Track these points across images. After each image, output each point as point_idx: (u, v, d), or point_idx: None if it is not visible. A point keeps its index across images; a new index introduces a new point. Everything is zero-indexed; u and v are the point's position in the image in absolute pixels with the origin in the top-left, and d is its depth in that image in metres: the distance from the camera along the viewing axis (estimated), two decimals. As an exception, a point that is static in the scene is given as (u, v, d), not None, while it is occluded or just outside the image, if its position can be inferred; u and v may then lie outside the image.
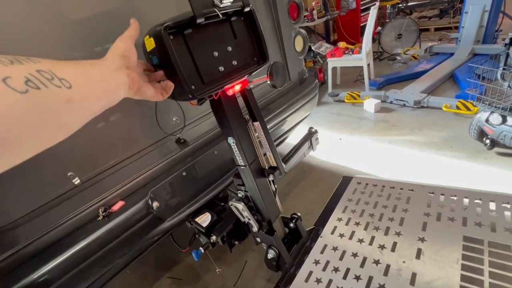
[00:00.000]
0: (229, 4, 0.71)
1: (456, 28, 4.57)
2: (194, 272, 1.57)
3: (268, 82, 0.81)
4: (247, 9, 0.78)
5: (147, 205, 1.03)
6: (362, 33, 5.02)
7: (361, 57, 3.02)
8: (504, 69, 1.79)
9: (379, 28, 4.29)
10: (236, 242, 1.13)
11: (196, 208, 1.17)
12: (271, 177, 0.97)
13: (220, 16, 0.70)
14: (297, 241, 1.05)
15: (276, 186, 1.08)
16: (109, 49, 0.50)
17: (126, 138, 1.02)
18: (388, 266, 0.80)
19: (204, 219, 1.10)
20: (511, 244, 0.75)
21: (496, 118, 1.77)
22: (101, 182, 0.97)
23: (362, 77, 3.34)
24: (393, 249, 0.85)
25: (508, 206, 0.85)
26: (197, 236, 1.17)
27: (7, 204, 0.79)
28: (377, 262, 0.83)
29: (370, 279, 0.79)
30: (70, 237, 0.90)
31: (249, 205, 1.02)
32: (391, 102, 2.89)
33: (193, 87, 0.69)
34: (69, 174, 0.89)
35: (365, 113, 2.87)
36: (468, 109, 2.38)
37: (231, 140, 0.91)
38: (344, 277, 0.82)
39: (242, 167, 0.94)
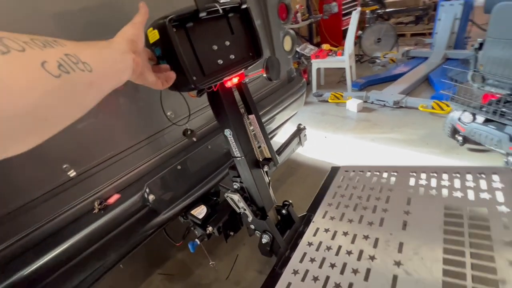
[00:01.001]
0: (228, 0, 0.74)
1: (430, 34, 4.85)
2: (185, 267, 1.57)
3: (264, 75, 0.85)
4: (244, 6, 0.82)
5: (143, 198, 1.03)
6: (343, 36, 5.21)
7: (344, 59, 3.15)
8: (474, 72, 1.95)
9: (359, 32, 4.47)
10: (232, 233, 1.16)
11: (191, 202, 1.18)
12: (266, 168, 1.01)
13: (220, 11, 0.73)
14: (290, 227, 1.10)
15: (269, 178, 1.12)
16: (118, 32, 0.51)
17: (122, 130, 1.02)
18: (377, 240, 0.86)
19: (200, 211, 1.12)
20: (486, 208, 0.83)
21: (467, 117, 1.92)
22: (97, 175, 0.96)
23: (345, 78, 3.48)
24: (380, 224, 0.92)
25: (484, 176, 0.95)
26: (192, 228, 1.18)
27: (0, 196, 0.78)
28: (366, 237, 0.89)
29: (361, 252, 0.85)
30: (65, 230, 0.89)
31: (244, 196, 1.06)
32: (372, 102, 3.03)
33: (194, 78, 0.72)
34: (64, 166, 0.89)
35: (348, 113, 2.99)
36: (442, 109, 2.55)
37: (228, 132, 0.94)
38: (337, 254, 0.87)
39: (238, 158, 0.97)
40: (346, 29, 5.16)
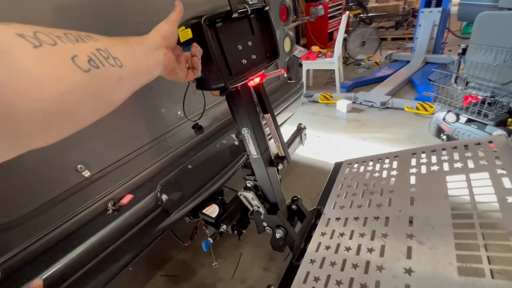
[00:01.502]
0: (256, 1, 0.76)
1: (410, 39, 5.12)
2: (189, 268, 1.56)
3: (285, 75, 0.88)
4: (267, 8, 0.84)
5: (156, 198, 1.02)
6: (329, 39, 5.36)
7: (333, 61, 3.25)
8: (457, 75, 2.09)
9: (345, 35, 4.62)
10: (244, 231, 1.17)
11: (201, 201, 1.18)
12: (280, 166, 1.03)
13: (249, 11, 0.75)
14: (302, 221, 1.13)
15: (280, 176, 1.14)
16: (153, 28, 0.52)
17: (135, 129, 1.01)
18: (387, 218, 0.90)
19: (212, 210, 1.12)
20: (487, 172, 0.88)
21: (451, 117, 2.06)
22: (110, 175, 0.94)
23: (333, 80, 3.58)
24: (389, 204, 0.96)
25: (480, 145, 1.01)
26: (204, 227, 1.18)
27: (14, 198, 0.74)
28: (377, 218, 0.93)
29: (373, 232, 0.88)
30: (80, 232, 0.86)
31: (257, 194, 1.08)
32: (360, 103, 3.15)
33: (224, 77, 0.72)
34: (79, 166, 0.86)
35: (338, 113, 3.09)
36: (426, 109, 2.71)
37: (245, 131, 0.95)
38: (350, 238, 0.90)
39: (254, 157, 0.98)
40: (332, 32, 5.35)
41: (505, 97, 1.75)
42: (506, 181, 0.82)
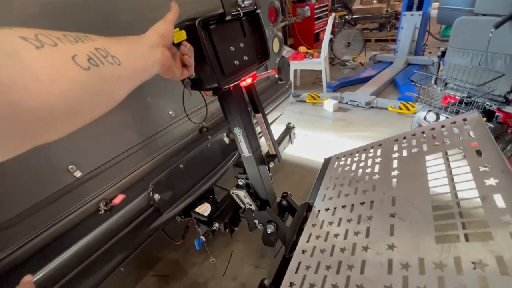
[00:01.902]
0: (248, 4, 0.78)
1: (392, 40, 5.29)
2: (179, 268, 1.56)
3: (276, 76, 0.90)
4: (258, 11, 0.87)
5: (148, 198, 1.02)
6: (315, 39, 5.46)
7: (320, 61, 3.31)
8: (436, 76, 2.19)
9: (331, 36, 4.71)
10: (236, 228, 1.19)
11: (192, 200, 1.19)
12: (271, 164, 1.06)
13: (241, 14, 0.77)
14: (293, 216, 1.16)
15: (271, 174, 1.17)
16: (150, 28, 0.53)
17: (127, 129, 1.01)
18: (372, 202, 0.95)
19: (204, 209, 1.13)
20: (462, 146, 0.93)
21: (431, 116, 2.16)
22: (102, 175, 0.94)
23: (320, 80, 3.65)
24: (374, 189, 1.01)
25: (455, 123, 1.06)
26: (196, 226, 1.19)
27: (5, 199, 0.73)
28: (362, 203, 0.97)
29: (359, 217, 0.93)
30: (71, 233, 0.86)
31: (249, 192, 1.10)
32: (346, 103, 3.23)
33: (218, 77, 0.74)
34: (70, 167, 0.85)
35: (325, 112, 3.16)
36: (408, 109, 2.82)
37: (237, 130, 0.97)
38: (338, 225, 0.94)
39: (246, 155, 1.01)
40: (318, 33, 5.44)
41: (480, 98, 1.86)
42: (479, 155, 0.87)
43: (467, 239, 0.66)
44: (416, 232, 0.77)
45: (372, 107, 3.07)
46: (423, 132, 1.16)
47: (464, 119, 1.06)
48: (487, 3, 1.83)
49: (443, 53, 2.13)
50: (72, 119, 0.33)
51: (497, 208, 0.68)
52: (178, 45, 0.71)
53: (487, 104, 1.87)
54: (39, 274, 0.76)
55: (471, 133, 0.98)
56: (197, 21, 0.66)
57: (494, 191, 0.73)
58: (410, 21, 3.89)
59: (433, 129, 1.13)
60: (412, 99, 2.83)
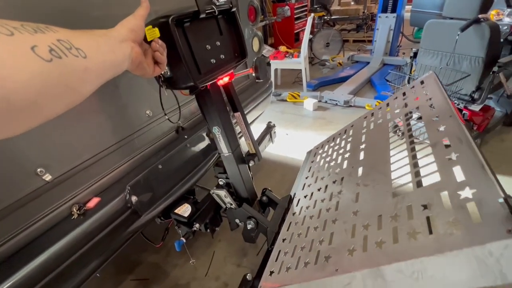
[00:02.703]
0: (223, 2, 0.78)
1: (369, 41, 5.47)
2: (160, 270, 1.53)
3: (253, 74, 0.91)
4: (234, 9, 0.87)
5: (125, 200, 1.00)
6: (295, 39, 5.53)
7: (300, 61, 3.36)
8: (409, 76, 2.30)
9: (310, 36, 4.80)
10: (217, 228, 1.19)
11: (172, 201, 1.17)
12: (251, 163, 1.06)
13: (216, 12, 0.77)
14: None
15: (251, 173, 1.18)
16: (119, 22, 0.52)
17: (101, 129, 0.97)
18: (342, 178, 0.99)
19: (184, 210, 1.12)
20: (419, 105, 0.98)
21: (405, 114, 2.25)
22: (75, 178, 0.90)
23: (300, 79, 3.71)
24: (344, 166, 1.06)
25: (414, 87, 1.11)
26: (176, 227, 1.17)
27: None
28: (334, 182, 1.01)
29: (331, 194, 0.96)
30: (42, 239, 0.82)
31: (230, 191, 1.10)
32: (325, 102, 3.30)
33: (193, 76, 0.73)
34: (39, 170, 0.81)
35: (305, 111, 3.21)
36: (384, 107, 2.93)
37: (216, 129, 0.97)
38: (314, 207, 0.98)
39: (226, 155, 1.01)
40: (298, 32, 5.51)
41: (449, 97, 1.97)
42: (432, 108, 0.91)
43: (418, 186, 0.69)
44: (377, 193, 0.79)
45: (350, 106, 3.16)
46: (387, 104, 1.21)
47: (422, 82, 1.11)
48: (453, 7, 1.94)
49: (415, 54, 2.23)
50: (35, 112, 0.31)
51: (444, 149, 0.71)
52: (150, 43, 0.69)
53: (455, 103, 1.98)
54: (6, 285, 0.72)
55: (428, 92, 1.02)
56: (170, 19, 0.65)
57: (443, 136, 0.75)
58: (385, 23, 4.04)
59: (396, 98, 1.18)
60: (387, 98, 2.96)
